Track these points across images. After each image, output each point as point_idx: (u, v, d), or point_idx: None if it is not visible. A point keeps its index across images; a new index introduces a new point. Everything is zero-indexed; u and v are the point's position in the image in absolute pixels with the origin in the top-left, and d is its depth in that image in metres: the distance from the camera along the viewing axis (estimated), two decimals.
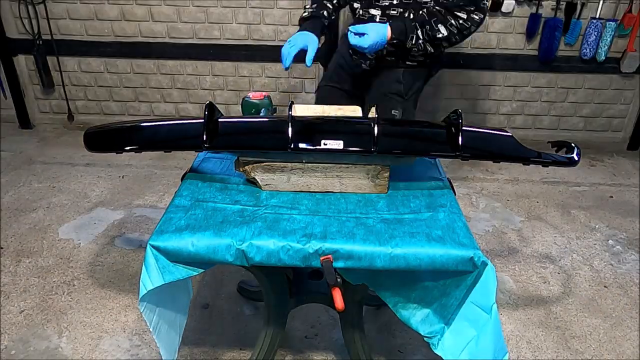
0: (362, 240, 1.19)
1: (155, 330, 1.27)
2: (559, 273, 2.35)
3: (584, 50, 3.44)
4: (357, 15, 2.06)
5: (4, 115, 3.86)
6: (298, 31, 1.99)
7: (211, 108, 1.38)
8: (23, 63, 3.71)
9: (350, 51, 2.17)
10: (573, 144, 1.43)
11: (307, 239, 1.19)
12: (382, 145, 1.32)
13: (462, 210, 1.37)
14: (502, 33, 3.47)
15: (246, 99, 1.92)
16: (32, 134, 3.78)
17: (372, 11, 1.98)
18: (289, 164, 1.38)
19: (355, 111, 1.49)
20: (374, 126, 1.33)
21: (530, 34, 3.43)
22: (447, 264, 1.17)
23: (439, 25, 1.90)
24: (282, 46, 1.94)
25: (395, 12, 1.94)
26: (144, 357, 1.82)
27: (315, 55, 1.91)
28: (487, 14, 2.15)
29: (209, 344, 1.89)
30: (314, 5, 2.09)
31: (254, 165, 1.40)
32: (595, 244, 2.58)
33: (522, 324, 2.03)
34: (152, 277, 1.19)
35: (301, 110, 1.46)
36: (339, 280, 1.21)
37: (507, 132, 1.44)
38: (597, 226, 2.75)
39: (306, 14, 2.05)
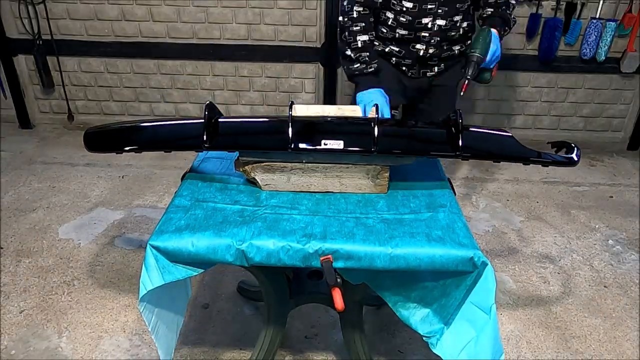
0: (362, 240, 1.19)
1: (153, 330, 1.27)
2: (559, 273, 2.35)
3: (584, 50, 3.44)
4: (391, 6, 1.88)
5: (4, 115, 3.86)
6: (363, 88, 1.83)
7: (211, 108, 1.38)
8: (23, 63, 3.71)
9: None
10: (573, 144, 1.43)
11: (307, 239, 1.19)
12: (382, 145, 1.32)
13: (462, 210, 1.37)
14: None
15: None
16: (32, 134, 3.78)
17: (405, 3, 1.85)
18: (289, 164, 1.38)
19: (355, 111, 1.49)
20: (374, 126, 1.33)
21: (530, 34, 3.43)
22: (447, 264, 1.17)
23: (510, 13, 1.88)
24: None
25: (433, 5, 1.84)
26: (144, 357, 1.83)
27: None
28: None
29: (209, 344, 1.89)
30: (366, 48, 1.85)
31: (254, 165, 1.40)
32: (595, 244, 2.58)
33: (522, 324, 2.03)
34: (152, 277, 1.19)
35: (301, 110, 1.46)
36: (339, 280, 1.21)
37: (507, 132, 1.44)
38: (597, 226, 2.75)
39: (372, 68, 1.85)
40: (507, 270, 2.35)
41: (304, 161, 1.38)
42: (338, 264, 1.19)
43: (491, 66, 1.87)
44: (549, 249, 2.53)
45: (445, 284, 1.25)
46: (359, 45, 1.85)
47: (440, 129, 1.41)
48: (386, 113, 1.74)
